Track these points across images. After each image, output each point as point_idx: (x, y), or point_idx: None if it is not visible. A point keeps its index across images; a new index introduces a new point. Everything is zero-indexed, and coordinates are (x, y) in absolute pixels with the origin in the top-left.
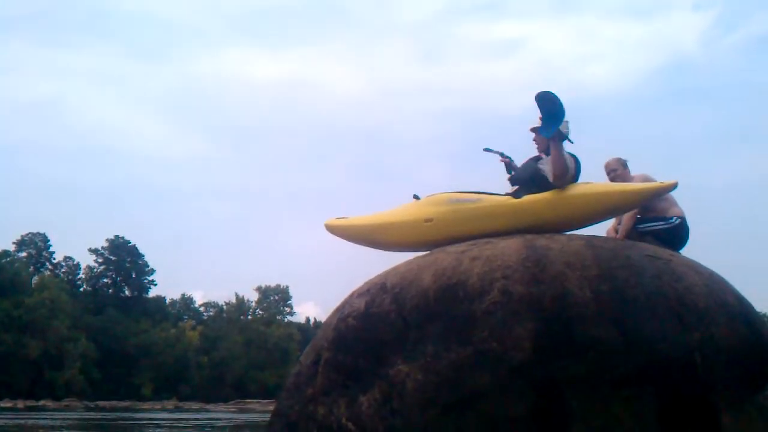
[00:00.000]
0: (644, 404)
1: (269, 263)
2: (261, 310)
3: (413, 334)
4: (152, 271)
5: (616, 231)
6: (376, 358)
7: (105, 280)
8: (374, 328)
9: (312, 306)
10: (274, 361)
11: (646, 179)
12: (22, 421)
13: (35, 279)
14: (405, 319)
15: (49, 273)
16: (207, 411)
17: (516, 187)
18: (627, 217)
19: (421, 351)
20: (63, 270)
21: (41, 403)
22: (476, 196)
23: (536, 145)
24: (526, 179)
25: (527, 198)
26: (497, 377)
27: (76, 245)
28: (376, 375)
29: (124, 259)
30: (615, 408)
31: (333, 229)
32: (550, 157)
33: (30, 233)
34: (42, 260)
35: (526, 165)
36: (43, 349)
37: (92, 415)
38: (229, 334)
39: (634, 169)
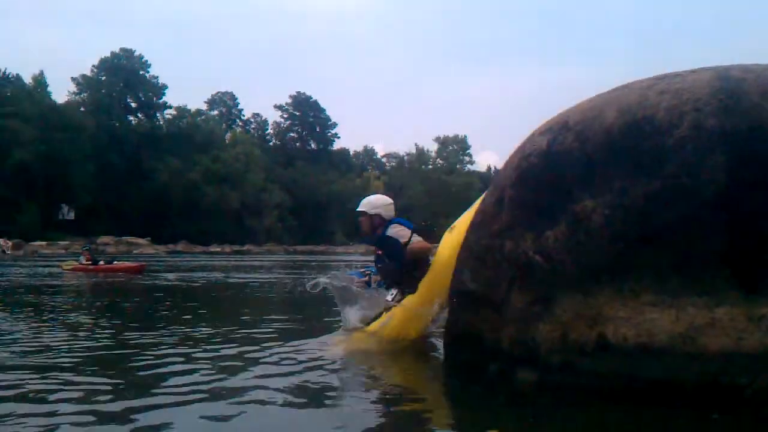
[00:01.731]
0: None
1: (447, 114)
2: (441, 159)
3: (598, 171)
4: (335, 125)
5: None
6: (560, 194)
7: (291, 135)
8: (557, 165)
9: (492, 154)
10: (456, 208)
11: None
12: (233, 262)
13: (228, 135)
14: (589, 155)
15: (239, 129)
16: None
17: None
18: None
19: (607, 187)
20: (252, 126)
21: (245, 247)
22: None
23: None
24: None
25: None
26: (688, 211)
27: (262, 102)
28: (560, 211)
29: (307, 114)
30: None
31: None
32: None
33: (219, 92)
34: (232, 117)
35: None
36: (242, 200)
37: (292, 257)
38: (411, 183)
39: None
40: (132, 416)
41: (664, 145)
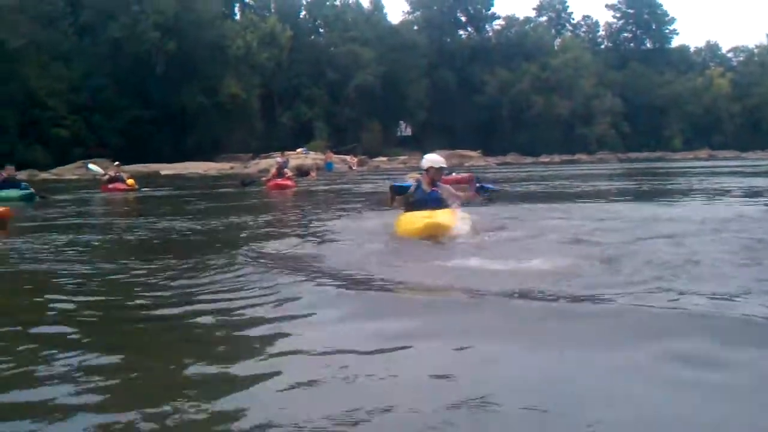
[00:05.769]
0: None
1: None
2: None
3: None
4: (673, 20)
5: None
6: None
7: (624, 35)
8: None
9: None
10: None
11: None
12: (558, 172)
13: (557, 41)
14: None
15: (569, 34)
16: (742, 159)
17: None
18: None
19: None
20: (582, 30)
21: (575, 156)
22: None
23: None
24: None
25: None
26: None
27: (593, 2)
28: None
29: (642, 11)
30: None
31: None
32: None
33: None
34: (562, 22)
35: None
36: (572, 108)
37: (625, 165)
38: (762, 80)
39: None
40: None
41: None
